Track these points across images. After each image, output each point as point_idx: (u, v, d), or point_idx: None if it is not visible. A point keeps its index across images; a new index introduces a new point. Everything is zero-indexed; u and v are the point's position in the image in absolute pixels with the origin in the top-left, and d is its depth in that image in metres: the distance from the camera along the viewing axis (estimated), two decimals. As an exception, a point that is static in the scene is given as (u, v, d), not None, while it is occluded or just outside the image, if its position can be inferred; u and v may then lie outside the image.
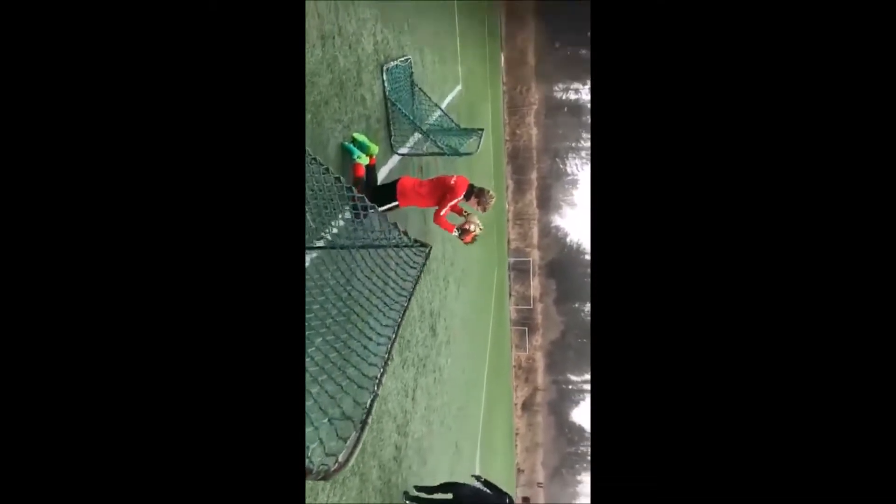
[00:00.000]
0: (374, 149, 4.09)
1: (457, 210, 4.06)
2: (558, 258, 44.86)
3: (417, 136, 5.45)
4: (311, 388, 1.78)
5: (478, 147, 5.33)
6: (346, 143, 3.88)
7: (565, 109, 43.22)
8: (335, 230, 3.13)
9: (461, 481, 5.69)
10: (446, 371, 8.13)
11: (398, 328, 2.19)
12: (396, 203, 3.93)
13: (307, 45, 3.32)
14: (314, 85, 3.44)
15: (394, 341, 2.09)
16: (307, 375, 1.74)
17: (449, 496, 5.39)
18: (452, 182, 3.85)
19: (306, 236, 3.09)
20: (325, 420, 1.70)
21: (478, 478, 5.74)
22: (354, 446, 1.51)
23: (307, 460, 1.34)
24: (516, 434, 36.42)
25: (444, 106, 8.85)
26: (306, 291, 2.23)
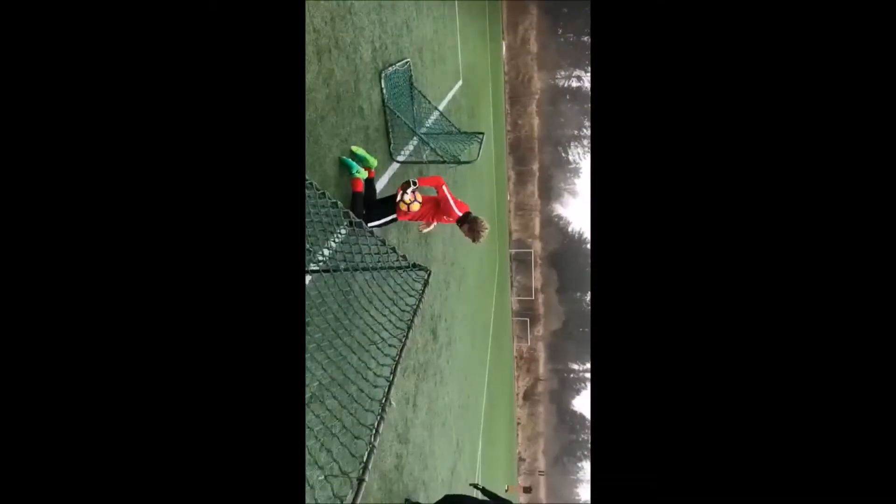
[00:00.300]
0: (373, 162, 4.03)
1: (443, 221, 3.97)
2: (560, 248, 44.85)
3: (416, 140, 5.38)
4: (307, 441, 1.75)
5: (478, 155, 5.26)
6: (345, 157, 3.81)
7: (567, 97, 42.89)
8: (327, 252, 3.08)
9: (461, 493, 5.72)
10: (447, 372, 8.13)
11: (396, 368, 2.15)
12: (394, 216, 3.87)
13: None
14: (310, 102, 3.37)
15: (391, 384, 2.05)
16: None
17: None
18: (452, 203, 3.78)
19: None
20: (321, 476, 1.67)
21: (475, 485, 5.75)
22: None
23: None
24: (518, 424, 36.70)
25: (445, 103, 8.76)
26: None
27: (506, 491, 20.93)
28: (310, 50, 3.38)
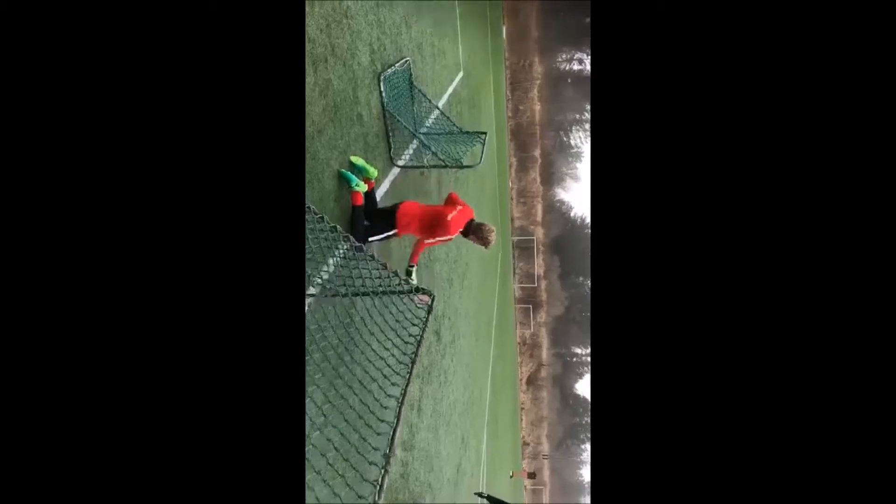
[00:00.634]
0: (373, 172, 3.90)
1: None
2: (562, 234, 44.67)
3: (417, 143, 5.24)
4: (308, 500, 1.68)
5: (481, 158, 5.12)
6: (344, 170, 3.69)
7: (569, 80, 42.29)
8: (325, 276, 2.98)
9: None
10: (452, 371, 8.10)
11: (400, 411, 2.07)
12: (394, 231, 3.76)
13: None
14: (307, 116, 3.24)
15: (395, 430, 1.97)
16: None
17: None
18: (449, 219, 3.62)
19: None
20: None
21: (480, 494, 5.75)
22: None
23: None
24: (522, 409, 36.98)
25: (446, 97, 8.58)
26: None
27: (510, 477, 21.14)
28: (305, 62, 3.24)
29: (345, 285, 2.86)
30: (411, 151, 5.47)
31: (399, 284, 2.87)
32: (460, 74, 10.04)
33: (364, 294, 2.82)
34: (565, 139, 45.47)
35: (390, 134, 4.88)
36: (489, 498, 5.54)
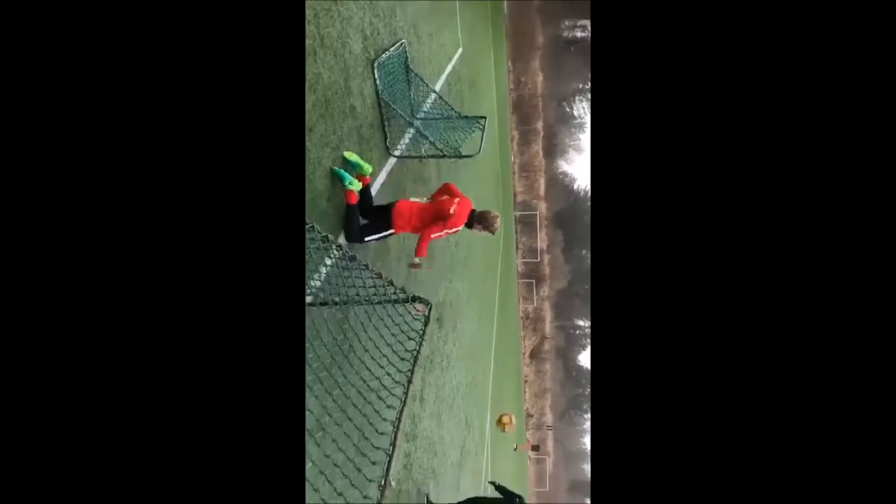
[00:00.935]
0: (368, 168, 3.77)
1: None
2: (565, 207, 44.34)
3: (414, 131, 5.07)
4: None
5: (480, 146, 4.96)
6: (336, 168, 3.56)
7: (572, 49, 41.20)
8: (318, 283, 2.89)
9: (480, 496, 5.78)
10: (454, 356, 8.10)
11: (396, 436, 2.00)
12: (391, 231, 3.65)
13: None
14: (295, 115, 3.09)
15: (391, 457, 1.91)
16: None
17: None
18: (452, 211, 3.54)
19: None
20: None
21: (493, 483, 5.82)
22: None
23: None
24: (525, 382, 37.44)
25: (445, 76, 8.31)
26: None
27: (514, 450, 21.52)
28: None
29: (338, 294, 2.78)
30: (408, 140, 5.30)
31: (395, 293, 2.78)
32: (459, 51, 9.73)
33: (357, 303, 2.74)
34: (568, 110, 44.66)
35: (385, 123, 4.71)
36: (498, 487, 5.59)
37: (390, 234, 3.68)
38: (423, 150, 4.92)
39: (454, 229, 3.57)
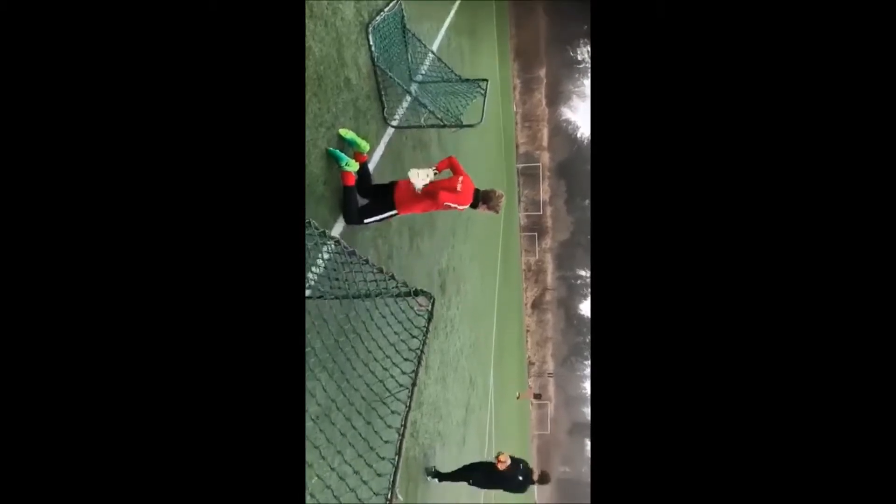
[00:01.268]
0: (365, 146, 3.61)
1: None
2: (568, 157, 43.54)
3: (412, 99, 4.84)
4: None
5: (482, 115, 4.75)
6: (332, 149, 3.41)
7: (576, -12, 39.09)
8: (314, 278, 2.82)
9: (476, 461, 5.95)
10: (458, 319, 8.16)
11: (401, 446, 1.99)
12: (394, 212, 3.54)
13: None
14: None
15: (397, 470, 1.91)
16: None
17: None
18: (459, 188, 3.42)
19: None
20: None
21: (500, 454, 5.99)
22: None
23: None
24: (527, 332, 38.16)
25: (443, 30, 7.88)
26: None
27: (517, 398, 22.20)
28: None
29: (339, 289, 2.71)
30: (405, 107, 5.07)
31: (396, 287, 2.72)
32: (457, 3, 9.19)
33: (357, 297, 2.68)
34: (572, 54, 42.98)
35: (382, 92, 4.49)
36: (511, 458, 5.76)
37: (392, 216, 3.57)
38: (422, 120, 4.71)
39: (461, 206, 3.47)
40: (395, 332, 2.47)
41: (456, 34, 8.77)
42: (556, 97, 41.20)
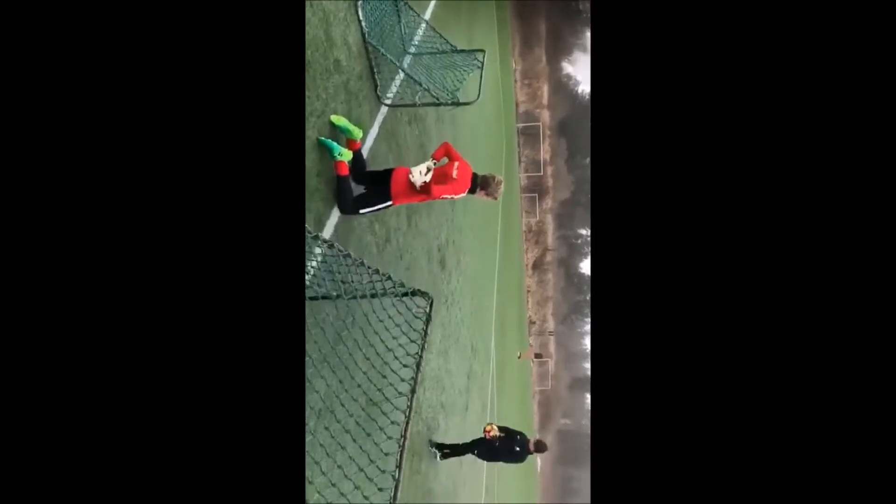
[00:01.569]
0: (357, 133, 3.48)
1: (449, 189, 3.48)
2: (569, 114, 42.63)
3: (405, 75, 4.65)
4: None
5: (479, 92, 4.57)
6: (323, 138, 3.29)
7: (577, -69, 37.09)
8: (307, 279, 2.78)
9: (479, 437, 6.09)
10: (458, 291, 8.18)
11: (402, 456, 2.01)
12: (390, 203, 3.46)
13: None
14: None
15: (398, 482, 1.93)
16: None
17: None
18: (455, 175, 3.32)
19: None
20: None
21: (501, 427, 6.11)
22: None
23: None
24: (528, 292, 38.48)
25: (436, -8, 7.50)
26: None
27: (518, 358, 22.63)
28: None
29: (335, 290, 2.67)
30: (398, 81, 4.88)
31: (393, 288, 2.68)
32: (453, -42, 8.72)
33: (353, 298, 2.65)
34: (573, 3, 41.38)
35: (375, 69, 4.31)
36: (501, 428, 5.91)
37: (388, 206, 3.49)
38: (416, 99, 4.54)
39: (458, 195, 3.39)
40: (394, 337, 2.45)
41: (451, -5, 8.37)
42: (557, 51, 39.93)
